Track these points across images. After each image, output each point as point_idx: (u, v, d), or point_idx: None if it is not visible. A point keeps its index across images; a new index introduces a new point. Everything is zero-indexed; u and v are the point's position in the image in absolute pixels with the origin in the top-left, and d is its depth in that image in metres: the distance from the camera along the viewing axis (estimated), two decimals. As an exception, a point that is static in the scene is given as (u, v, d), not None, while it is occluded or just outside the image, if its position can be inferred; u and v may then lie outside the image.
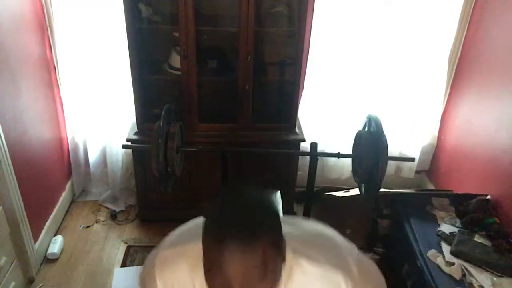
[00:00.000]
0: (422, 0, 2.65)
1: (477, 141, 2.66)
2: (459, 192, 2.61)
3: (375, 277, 1.11)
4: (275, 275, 0.88)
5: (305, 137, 2.72)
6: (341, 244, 1.10)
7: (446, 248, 2.12)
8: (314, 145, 2.19)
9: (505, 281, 1.92)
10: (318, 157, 2.25)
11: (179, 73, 2.54)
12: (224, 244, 0.82)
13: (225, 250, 0.81)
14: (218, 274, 0.83)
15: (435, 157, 3.21)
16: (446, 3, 2.67)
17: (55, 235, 2.75)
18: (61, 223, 2.89)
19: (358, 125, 2.21)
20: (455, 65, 2.90)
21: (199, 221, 0.97)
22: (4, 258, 2.13)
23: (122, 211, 3.03)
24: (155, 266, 1.06)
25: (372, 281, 1.09)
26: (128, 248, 2.73)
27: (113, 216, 2.98)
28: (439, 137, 3.14)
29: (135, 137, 2.63)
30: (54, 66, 2.74)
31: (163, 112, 1.99)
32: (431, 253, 2.09)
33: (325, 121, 2.98)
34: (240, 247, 0.81)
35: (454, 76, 2.93)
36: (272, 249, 0.86)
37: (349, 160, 2.26)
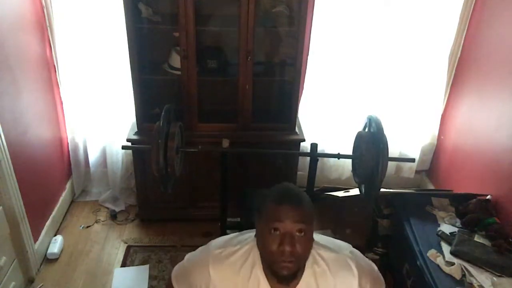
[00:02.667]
0: (422, 1, 2.65)
1: (477, 141, 2.66)
2: (459, 192, 2.61)
3: (371, 267, 1.38)
4: (311, 237, 1.23)
5: (305, 137, 2.72)
6: (339, 241, 1.40)
7: (446, 248, 2.12)
8: (314, 146, 2.19)
9: (505, 281, 1.92)
10: (318, 157, 2.24)
11: (179, 73, 2.54)
12: (282, 203, 1.19)
13: (284, 206, 1.18)
14: (274, 223, 1.17)
15: (435, 157, 3.21)
16: (446, 3, 2.67)
17: (55, 235, 2.75)
18: (61, 223, 2.90)
19: (359, 126, 2.21)
20: (455, 65, 2.90)
21: (238, 233, 1.39)
22: (4, 258, 2.13)
23: (122, 211, 3.03)
24: (210, 264, 1.30)
25: (369, 269, 1.36)
26: (128, 248, 2.73)
27: (113, 216, 2.98)
28: (439, 137, 3.14)
29: (135, 137, 2.63)
30: (54, 66, 2.74)
31: (163, 112, 1.99)
32: (431, 253, 2.09)
33: (325, 121, 2.98)
34: (293, 205, 1.19)
35: (454, 76, 2.93)
36: (311, 213, 1.22)
37: (349, 160, 2.26)
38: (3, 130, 2.08)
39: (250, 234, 1.34)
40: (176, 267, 1.42)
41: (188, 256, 1.40)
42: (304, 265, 1.26)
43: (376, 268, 1.39)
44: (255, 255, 1.28)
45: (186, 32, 2.38)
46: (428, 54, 2.80)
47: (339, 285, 1.28)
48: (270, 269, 1.23)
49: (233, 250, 1.31)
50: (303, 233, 1.17)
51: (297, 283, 1.26)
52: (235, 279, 1.28)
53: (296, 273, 1.24)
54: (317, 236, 1.34)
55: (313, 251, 1.28)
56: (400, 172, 3.20)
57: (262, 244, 1.22)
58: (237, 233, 1.41)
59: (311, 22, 2.66)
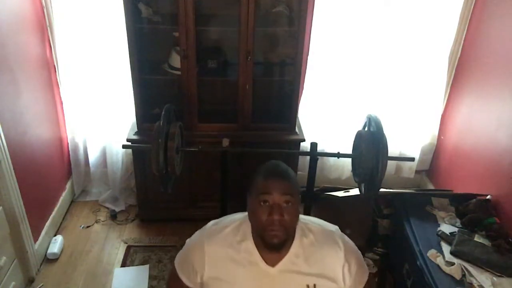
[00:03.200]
0: (422, 1, 2.65)
1: (477, 141, 2.66)
2: (459, 192, 2.61)
3: (357, 250, 1.46)
4: (297, 208, 1.31)
5: (305, 137, 2.72)
6: (327, 222, 1.49)
7: (446, 248, 2.12)
8: (314, 145, 2.19)
9: (505, 281, 1.92)
10: (318, 157, 2.24)
11: (179, 73, 2.54)
12: (270, 177, 1.31)
13: (271, 179, 1.30)
14: (263, 195, 1.27)
15: (435, 157, 3.21)
16: (446, 3, 2.67)
17: (55, 235, 2.75)
18: (61, 223, 2.90)
19: (358, 125, 2.21)
20: (455, 65, 2.90)
21: (231, 215, 1.48)
22: (4, 258, 2.13)
23: (122, 211, 3.03)
24: (204, 240, 1.39)
25: (355, 250, 1.43)
26: (128, 248, 2.73)
27: (113, 216, 2.98)
28: (439, 137, 3.14)
29: (135, 137, 2.63)
30: (54, 66, 2.74)
31: (163, 112, 1.99)
32: (431, 253, 2.09)
33: (325, 121, 2.98)
34: (279, 178, 1.30)
35: (454, 76, 2.93)
36: (297, 186, 1.33)
37: (349, 160, 2.26)
38: (3, 130, 2.08)
39: (241, 213, 1.44)
40: (177, 255, 1.49)
41: (187, 241, 1.48)
42: (293, 236, 1.36)
43: (361, 254, 1.46)
44: (246, 229, 1.38)
45: (186, 32, 2.38)
46: (428, 54, 2.80)
47: (326, 256, 1.36)
48: (261, 239, 1.31)
49: (225, 225, 1.41)
50: (290, 204, 1.28)
51: (286, 253, 1.35)
52: (227, 251, 1.36)
53: (285, 243, 1.33)
54: (308, 217, 1.47)
55: (302, 225, 1.38)
56: (400, 172, 3.20)
57: (253, 216, 1.32)
58: (231, 214, 1.50)
59: (311, 22, 2.66)
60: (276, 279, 1.34)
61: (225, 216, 1.49)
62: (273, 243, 1.29)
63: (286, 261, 1.34)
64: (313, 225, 1.41)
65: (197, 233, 1.46)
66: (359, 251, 1.45)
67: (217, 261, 1.36)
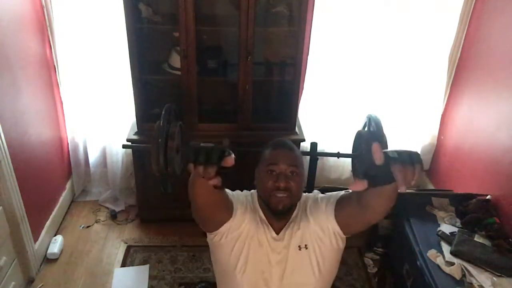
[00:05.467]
0: (422, 1, 2.65)
1: (477, 141, 2.66)
2: (459, 192, 2.61)
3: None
4: (302, 178, 1.41)
5: (305, 137, 2.72)
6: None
7: (446, 248, 2.12)
8: (314, 145, 2.19)
9: (505, 281, 1.92)
10: (318, 157, 2.24)
11: (179, 73, 2.54)
12: (277, 149, 1.42)
13: (278, 151, 1.41)
14: (270, 164, 1.37)
15: (435, 157, 3.21)
16: (446, 4, 2.66)
17: (55, 235, 2.75)
18: (61, 223, 2.90)
19: (358, 125, 2.21)
20: (455, 65, 2.90)
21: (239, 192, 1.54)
22: (4, 258, 2.13)
23: (122, 211, 3.03)
24: (244, 203, 1.45)
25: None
26: (128, 248, 2.73)
27: (113, 216, 2.98)
28: (439, 137, 3.14)
29: (135, 137, 2.63)
30: (54, 66, 2.74)
31: (163, 112, 1.98)
32: (431, 253, 2.09)
33: (325, 121, 2.98)
34: (286, 150, 1.42)
35: (454, 76, 2.93)
36: (301, 158, 1.45)
37: (349, 160, 2.25)
38: (3, 130, 2.08)
39: (248, 191, 1.54)
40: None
41: (237, 191, 1.53)
42: (295, 207, 1.45)
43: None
44: (255, 200, 1.47)
45: (186, 32, 2.38)
46: (428, 54, 2.80)
47: (309, 212, 1.44)
48: (268, 206, 1.39)
49: (239, 194, 1.50)
50: (295, 174, 1.38)
51: (288, 220, 1.43)
52: (249, 209, 1.44)
53: (289, 210, 1.41)
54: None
55: (303, 202, 1.47)
56: (400, 172, 3.19)
57: (260, 184, 1.40)
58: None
59: (311, 22, 2.66)
60: (275, 245, 1.41)
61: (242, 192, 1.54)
62: (278, 209, 1.36)
63: (286, 228, 1.42)
64: (308, 198, 1.50)
65: (244, 192, 1.53)
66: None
67: (244, 217, 1.41)
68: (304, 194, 1.50)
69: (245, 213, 1.41)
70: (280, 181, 1.35)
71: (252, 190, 1.51)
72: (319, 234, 1.40)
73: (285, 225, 1.42)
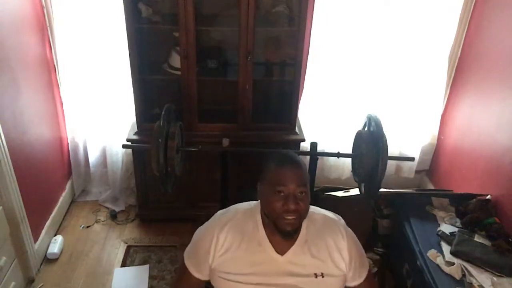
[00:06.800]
0: (422, 1, 2.65)
1: (477, 141, 2.66)
2: (459, 192, 2.61)
3: (359, 244, 1.50)
4: (309, 195, 1.35)
5: (305, 137, 2.72)
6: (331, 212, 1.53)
7: (446, 248, 2.12)
8: (314, 145, 2.19)
9: (505, 281, 1.92)
10: (318, 156, 2.24)
11: (179, 73, 2.54)
12: (284, 166, 1.33)
13: (285, 169, 1.32)
14: (278, 185, 1.30)
15: (435, 157, 3.21)
16: (446, 3, 2.67)
17: (55, 235, 2.75)
18: (61, 223, 2.90)
19: (358, 125, 2.21)
20: (455, 65, 2.90)
21: (239, 204, 1.51)
22: (4, 258, 2.13)
23: (122, 211, 3.03)
24: (215, 228, 1.41)
25: (357, 242, 1.47)
26: (128, 248, 2.73)
27: (113, 216, 2.98)
28: (439, 137, 3.14)
29: (135, 137, 2.63)
30: (54, 66, 2.74)
31: (163, 112, 1.98)
32: (431, 253, 2.09)
33: (325, 121, 2.98)
34: (294, 168, 1.33)
35: (454, 76, 2.93)
36: (308, 174, 1.38)
37: (349, 160, 2.26)
38: (3, 130, 2.08)
39: (247, 203, 1.48)
40: (187, 248, 1.50)
41: (196, 232, 1.50)
42: (301, 224, 1.40)
43: (361, 247, 1.49)
44: (257, 217, 1.41)
45: (186, 32, 2.38)
46: (428, 54, 2.80)
47: (330, 244, 1.40)
48: (275, 227, 1.33)
49: (235, 212, 1.45)
50: (304, 194, 1.32)
51: (294, 242, 1.38)
52: (238, 238, 1.38)
53: (297, 230, 1.37)
54: (311, 206, 1.47)
55: (309, 213, 1.41)
56: (400, 172, 3.20)
57: (267, 204, 1.34)
58: (234, 205, 1.52)
59: (311, 22, 2.66)
60: (284, 267, 1.37)
61: (231, 206, 1.51)
62: (287, 231, 1.32)
63: (294, 250, 1.38)
64: (317, 215, 1.45)
65: (206, 223, 1.48)
66: (359, 243, 1.48)
67: (228, 248, 1.38)
68: (321, 214, 1.47)
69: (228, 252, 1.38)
70: (290, 204, 1.29)
71: (252, 206, 1.46)
72: (333, 271, 1.40)
73: (292, 245, 1.38)
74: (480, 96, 2.66)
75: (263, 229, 1.39)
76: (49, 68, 2.70)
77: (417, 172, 3.25)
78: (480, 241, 2.13)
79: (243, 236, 1.38)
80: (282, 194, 1.30)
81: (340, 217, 1.50)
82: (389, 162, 2.00)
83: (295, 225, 1.32)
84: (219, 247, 1.38)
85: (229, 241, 1.38)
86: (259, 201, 1.42)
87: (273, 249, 1.37)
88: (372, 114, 2.09)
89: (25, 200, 2.30)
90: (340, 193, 2.67)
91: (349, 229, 1.47)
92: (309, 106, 2.94)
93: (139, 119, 2.63)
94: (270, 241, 1.37)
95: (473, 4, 2.68)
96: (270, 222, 1.35)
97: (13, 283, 2.22)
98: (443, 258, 2.06)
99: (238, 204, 1.51)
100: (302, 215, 1.33)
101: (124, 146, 2.38)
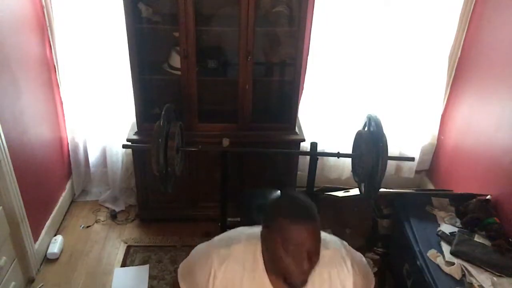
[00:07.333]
0: (422, 1, 2.65)
1: (477, 141, 2.66)
2: (459, 192, 2.61)
3: (363, 263, 1.43)
4: (318, 252, 1.23)
5: (305, 137, 2.72)
6: (327, 236, 1.42)
7: (446, 248, 2.12)
8: (314, 145, 2.19)
9: (505, 281, 1.92)
10: (318, 157, 2.25)
11: (179, 73, 2.54)
12: (298, 223, 1.18)
13: (300, 226, 1.18)
14: (290, 244, 1.17)
15: (435, 157, 3.21)
16: (446, 3, 2.67)
17: (55, 235, 2.75)
18: (61, 223, 2.90)
19: (358, 125, 2.21)
20: (455, 65, 2.90)
21: (241, 229, 1.41)
22: (4, 258, 2.13)
23: (122, 211, 3.03)
24: (213, 261, 1.31)
25: (363, 265, 1.40)
26: (128, 248, 2.73)
27: (113, 216, 2.98)
28: (439, 137, 3.14)
29: (135, 137, 2.63)
30: (54, 66, 2.74)
31: (163, 112, 1.99)
32: (431, 253, 2.09)
33: (325, 121, 2.98)
34: (308, 224, 1.20)
35: (454, 76, 2.93)
36: (319, 232, 1.23)
37: (349, 160, 2.26)
38: (3, 130, 2.08)
39: (254, 231, 1.33)
40: (182, 265, 1.43)
41: (193, 252, 1.41)
42: None
43: (366, 262, 1.44)
44: (259, 257, 1.29)
45: (186, 32, 2.38)
46: (428, 54, 2.80)
47: (333, 281, 1.31)
48: (283, 279, 1.22)
49: (237, 248, 1.32)
50: (317, 249, 1.22)
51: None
52: (239, 277, 1.30)
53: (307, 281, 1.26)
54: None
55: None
56: (400, 172, 3.20)
57: (275, 257, 1.22)
58: (240, 228, 1.42)
59: (311, 22, 2.66)
60: None
61: (231, 232, 1.41)
62: (297, 284, 1.21)
63: None
64: (323, 251, 1.30)
65: (204, 247, 1.39)
66: (363, 260, 1.43)
67: (226, 286, 1.30)
68: (323, 248, 1.29)
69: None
70: (304, 264, 1.18)
71: (254, 239, 1.32)
72: None
73: None
74: (480, 96, 2.66)
75: (265, 274, 1.29)
76: (49, 68, 2.70)
77: (417, 172, 3.25)
78: (480, 241, 2.13)
79: (243, 275, 1.29)
80: (294, 251, 1.18)
81: (338, 241, 1.41)
82: (389, 162, 2.00)
83: (306, 279, 1.21)
84: (217, 282, 1.30)
85: (228, 278, 1.30)
86: (259, 235, 1.31)
87: None
88: (372, 114, 2.09)
89: (25, 200, 2.30)
90: (340, 193, 2.67)
91: (352, 250, 1.40)
92: (309, 106, 2.94)
93: (139, 119, 2.63)
94: (273, 284, 1.29)
95: (473, 4, 2.68)
96: (276, 270, 1.25)
97: (13, 283, 2.22)
98: (443, 258, 2.06)
99: (238, 231, 1.40)
100: (314, 267, 1.23)
101: (124, 146, 2.38)
